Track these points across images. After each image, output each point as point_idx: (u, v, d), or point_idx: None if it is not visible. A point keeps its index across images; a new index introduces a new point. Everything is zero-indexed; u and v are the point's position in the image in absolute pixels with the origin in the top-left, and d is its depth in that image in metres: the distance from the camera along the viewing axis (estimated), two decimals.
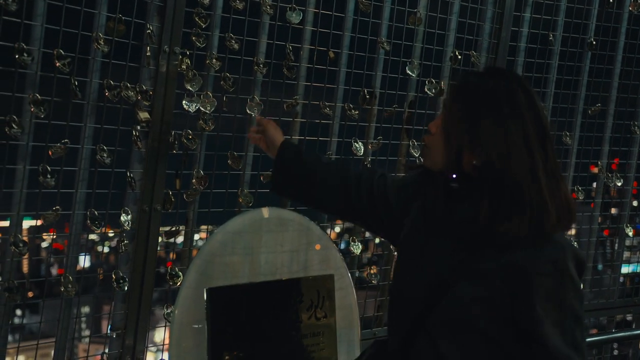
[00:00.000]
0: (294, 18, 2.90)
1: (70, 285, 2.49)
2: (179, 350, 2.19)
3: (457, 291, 1.72)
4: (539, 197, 1.66)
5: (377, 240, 3.33)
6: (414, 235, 1.90)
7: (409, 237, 1.93)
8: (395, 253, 2.07)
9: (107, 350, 2.67)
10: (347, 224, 3.20)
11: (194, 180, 2.75)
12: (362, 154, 3.15)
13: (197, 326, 2.21)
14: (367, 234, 3.27)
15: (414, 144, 3.29)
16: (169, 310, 2.69)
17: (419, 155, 3.29)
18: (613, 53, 3.86)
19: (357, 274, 3.21)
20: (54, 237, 2.65)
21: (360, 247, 3.19)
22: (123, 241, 2.61)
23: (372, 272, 3.28)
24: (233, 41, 2.78)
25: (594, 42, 3.75)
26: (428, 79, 3.30)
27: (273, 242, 2.43)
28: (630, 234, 4.08)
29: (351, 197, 2.10)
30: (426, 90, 3.29)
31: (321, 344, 2.48)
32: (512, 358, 1.70)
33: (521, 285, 1.66)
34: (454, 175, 1.76)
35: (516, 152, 1.67)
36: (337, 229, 3.32)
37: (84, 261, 2.68)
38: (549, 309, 1.65)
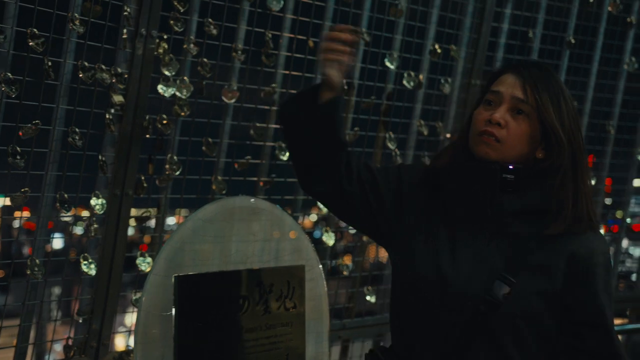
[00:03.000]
0: (275, 5, 2.87)
1: (36, 269, 2.46)
2: (145, 337, 2.17)
3: (520, 285, 1.70)
4: (589, 188, 1.80)
5: (352, 230, 3.32)
6: (446, 229, 1.79)
7: (434, 232, 1.79)
8: (401, 251, 1.85)
9: (73, 334, 2.65)
10: (323, 213, 3.20)
11: (167, 166, 2.73)
12: None
13: (165, 314, 2.19)
14: (342, 223, 3.27)
15: (391, 137, 3.28)
16: (136, 297, 2.67)
17: (395, 148, 3.29)
18: (591, 52, 3.87)
19: (332, 264, 3.22)
20: (24, 217, 2.62)
21: (334, 238, 3.19)
22: (92, 225, 2.58)
23: (344, 262, 3.28)
24: (212, 26, 2.75)
25: (573, 41, 3.77)
26: (407, 72, 3.29)
27: (245, 230, 2.40)
28: (602, 231, 4.11)
29: (340, 177, 1.86)
30: (404, 82, 3.28)
31: (290, 334, 2.46)
32: (566, 351, 1.77)
33: (584, 276, 1.73)
34: (511, 167, 1.75)
35: (581, 145, 1.78)
36: (314, 218, 3.31)
37: (54, 243, 2.63)
38: (606, 297, 1.74)
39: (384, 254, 3.48)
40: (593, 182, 3.97)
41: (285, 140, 2.19)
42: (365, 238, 3.26)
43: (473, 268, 1.73)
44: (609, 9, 3.82)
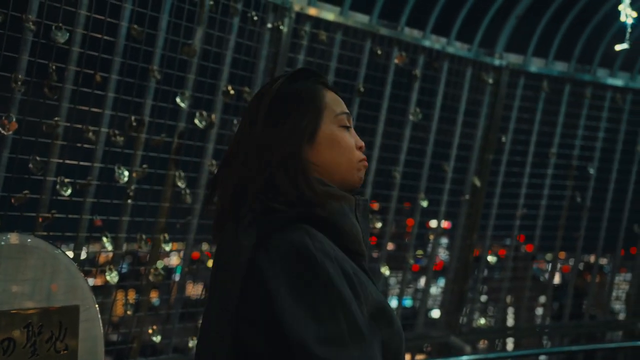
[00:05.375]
0: (60, 37, 2.80)
1: None
2: None
3: None
4: None
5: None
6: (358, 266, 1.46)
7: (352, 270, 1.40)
8: None
9: None
10: (108, 249, 3.12)
11: None
12: (125, 181, 3.09)
13: None
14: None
15: (181, 175, 3.27)
16: None
17: (185, 187, 3.27)
18: (379, 101, 4.07)
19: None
20: None
21: (117, 277, 3.11)
22: None
23: (129, 302, 3.22)
24: None
25: (363, 89, 3.95)
26: (199, 111, 3.30)
27: (13, 269, 2.30)
28: (387, 273, 4.30)
29: None
30: (196, 122, 3.29)
31: None
32: None
33: None
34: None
35: None
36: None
37: None
38: None
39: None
40: (379, 225, 4.16)
41: None
42: (151, 277, 3.21)
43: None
44: (396, 61, 4.05)
